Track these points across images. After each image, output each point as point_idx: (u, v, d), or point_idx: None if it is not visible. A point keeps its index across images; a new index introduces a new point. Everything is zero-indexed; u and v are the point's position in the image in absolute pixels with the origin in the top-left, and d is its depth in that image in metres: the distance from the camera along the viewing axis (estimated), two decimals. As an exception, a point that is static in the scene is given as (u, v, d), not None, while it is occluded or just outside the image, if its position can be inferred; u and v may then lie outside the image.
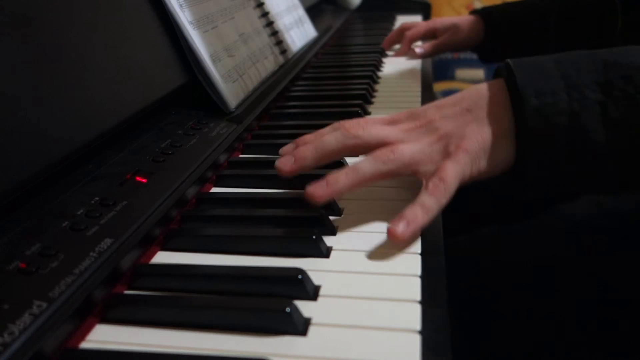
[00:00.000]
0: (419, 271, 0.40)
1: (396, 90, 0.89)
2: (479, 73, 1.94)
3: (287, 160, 0.48)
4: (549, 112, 0.43)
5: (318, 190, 0.45)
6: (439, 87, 1.88)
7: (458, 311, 0.52)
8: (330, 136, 0.48)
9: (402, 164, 0.46)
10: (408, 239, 0.42)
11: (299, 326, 0.34)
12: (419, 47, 1.08)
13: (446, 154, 0.45)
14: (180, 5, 0.64)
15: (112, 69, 0.52)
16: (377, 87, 0.90)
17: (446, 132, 0.46)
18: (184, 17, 0.64)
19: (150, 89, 0.57)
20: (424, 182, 0.45)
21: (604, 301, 0.60)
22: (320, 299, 0.37)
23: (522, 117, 0.44)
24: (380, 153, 0.46)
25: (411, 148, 0.46)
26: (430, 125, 0.47)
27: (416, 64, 1.05)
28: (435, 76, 1.51)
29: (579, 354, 0.59)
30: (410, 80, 0.94)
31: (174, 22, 0.63)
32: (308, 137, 0.50)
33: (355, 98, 0.79)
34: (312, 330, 0.34)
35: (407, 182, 0.53)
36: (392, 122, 0.49)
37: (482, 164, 0.46)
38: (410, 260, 0.41)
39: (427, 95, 0.84)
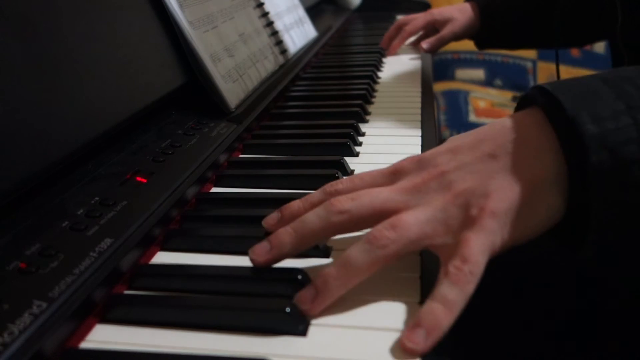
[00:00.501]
0: (419, 271, 0.40)
1: (396, 90, 0.89)
2: (479, 73, 1.94)
3: (263, 248, 0.38)
4: (615, 141, 0.33)
5: (301, 297, 0.35)
6: (439, 87, 1.88)
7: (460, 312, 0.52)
8: (312, 214, 0.38)
9: (409, 242, 0.35)
10: (430, 348, 0.32)
11: (299, 326, 0.34)
12: (425, 42, 1.09)
13: (467, 220, 0.34)
14: (180, 5, 0.64)
15: (112, 69, 0.52)
16: (377, 87, 0.90)
17: (465, 189, 0.35)
18: (184, 17, 0.64)
19: (150, 89, 0.57)
20: (442, 262, 0.34)
21: (604, 303, 0.60)
22: (320, 299, 0.37)
23: (579, 151, 0.34)
24: (376, 234, 0.35)
25: (418, 217, 0.35)
26: (442, 178, 0.37)
27: (416, 63, 1.05)
28: (435, 76, 1.51)
29: (578, 355, 0.59)
30: (411, 80, 0.94)
31: (174, 22, 0.63)
32: (295, 206, 0.41)
33: (355, 98, 0.79)
34: (312, 330, 0.34)
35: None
36: (392, 175, 0.39)
37: (518, 228, 0.35)
38: (410, 261, 0.41)
39: (427, 95, 0.84)
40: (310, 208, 0.40)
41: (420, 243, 0.35)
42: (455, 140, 0.39)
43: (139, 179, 0.48)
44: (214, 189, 0.55)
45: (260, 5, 0.89)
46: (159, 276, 0.40)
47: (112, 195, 0.45)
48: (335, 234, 0.38)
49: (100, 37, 0.52)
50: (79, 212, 0.42)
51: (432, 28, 1.12)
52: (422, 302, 0.36)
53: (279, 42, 0.90)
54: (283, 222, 0.41)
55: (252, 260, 0.38)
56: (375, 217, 0.36)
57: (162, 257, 0.43)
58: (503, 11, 1.05)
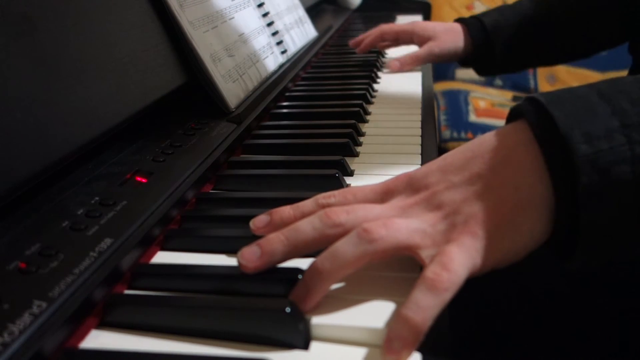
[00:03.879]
0: (418, 271, 0.39)
1: (396, 90, 0.89)
2: (479, 73, 1.94)
3: (252, 253, 0.38)
4: (607, 162, 0.32)
5: (295, 295, 0.36)
6: (439, 86, 1.88)
7: (458, 312, 0.52)
8: (306, 224, 0.38)
9: (397, 243, 0.35)
10: (405, 355, 0.32)
11: (299, 326, 0.34)
12: (396, 60, 0.99)
13: (451, 238, 0.35)
14: (180, 5, 0.64)
15: (112, 69, 0.52)
16: (377, 87, 0.90)
17: (452, 210, 0.36)
18: (184, 17, 0.64)
19: (150, 88, 0.57)
20: (424, 269, 0.34)
21: (605, 303, 0.60)
22: (320, 299, 0.37)
23: (569, 172, 0.33)
24: (367, 228, 0.35)
25: (409, 225, 0.36)
26: (433, 199, 0.37)
27: (416, 63, 1.05)
28: (435, 76, 1.51)
29: (578, 356, 0.59)
30: (411, 80, 0.94)
31: (174, 22, 0.63)
32: (285, 212, 0.41)
33: (355, 98, 0.79)
34: (312, 330, 0.34)
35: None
36: (384, 194, 0.40)
37: (500, 250, 0.35)
38: (410, 261, 0.41)
39: (427, 95, 0.84)
40: (300, 217, 0.40)
41: (407, 248, 0.36)
42: (446, 159, 0.39)
43: (139, 179, 0.48)
44: (214, 189, 0.55)
45: (261, 5, 0.89)
46: (159, 276, 0.40)
47: (112, 195, 0.45)
48: (326, 246, 0.37)
49: (100, 37, 0.52)
50: (79, 212, 0.42)
51: (408, 39, 1.01)
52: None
53: (279, 42, 0.90)
54: (272, 226, 0.41)
55: (240, 264, 0.38)
56: None
57: (162, 257, 0.43)
58: (504, 31, 0.94)
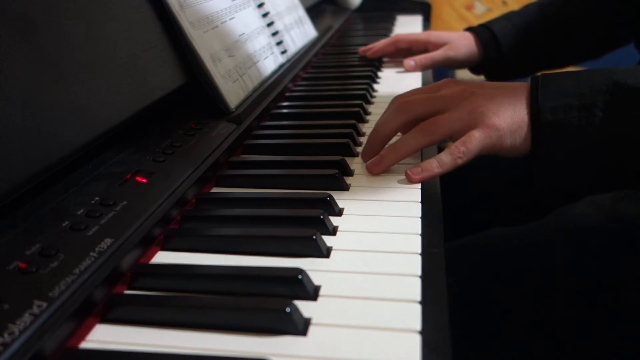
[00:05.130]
0: (419, 271, 0.40)
1: (396, 90, 0.89)
2: (479, 73, 1.94)
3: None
4: (562, 127, 0.51)
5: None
6: (439, 87, 1.88)
7: (458, 311, 0.52)
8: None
9: (442, 135, 0.54)
10: (418, 182, 0.53)
11: (299, 326, 0.34)
12: (412, 58, 0.98)
13: (478, 125, 0.52)
14: (181, 6, 0.64)
15: (112, 69, 0.52)
16: (377, 87, 0.90)
17: (483, 106, 0.53)
18: (184, 17, 0.64)
19: (150, 89, 0.57)
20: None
21: (605, 304, 0.60)
22: (320, 299, 0.37)
23: (537, 128, 0.52)
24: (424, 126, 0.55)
25: (450, 117, 0.54)
26: (473, 96, 0.55)
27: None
28: (435, 75, 1.50)
29: (578, 356, 0.59)
30: (410, 80, 0.94)
31: (174, 22, 0.63)
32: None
33: (355, 98, 0.79)
34: (312, 330, 0.34)
35: (404, 181, 0.53)
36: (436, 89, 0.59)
37: (506, 142, 0.53)
38: (410, 260, 0.41)
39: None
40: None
41: (451, 133, 0.54)
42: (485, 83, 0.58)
43: (139, 179, 0.48)
44: (214, 189, 0.55)
45: (261, 5, 0.89)
46: (159, 276, 0.40)
47: (112, 195, 0.45)
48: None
49: (100, 37, 0.52)
50: (79, 212, 0.42)
51: (422, 48, 1.02)
52: (422, 302, 0.36)
53: (279, 42, 0.90)
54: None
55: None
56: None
57: (162, 257, 0.43)
58: (513, 37, 0.95)
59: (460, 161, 0.52)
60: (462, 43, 0.98)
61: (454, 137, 0.54)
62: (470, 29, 1.00)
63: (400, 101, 0.58)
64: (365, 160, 0.58)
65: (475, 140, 0.52)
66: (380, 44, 1.04)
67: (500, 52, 0.96)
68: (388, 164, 0.56)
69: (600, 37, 0.94)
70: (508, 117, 0.53)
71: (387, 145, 0.57)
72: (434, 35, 1.02)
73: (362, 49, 1.06)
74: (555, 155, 0.53)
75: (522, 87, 0.55)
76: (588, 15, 0.93)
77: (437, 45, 0.99)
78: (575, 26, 0.94)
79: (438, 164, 0.53)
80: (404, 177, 0.54)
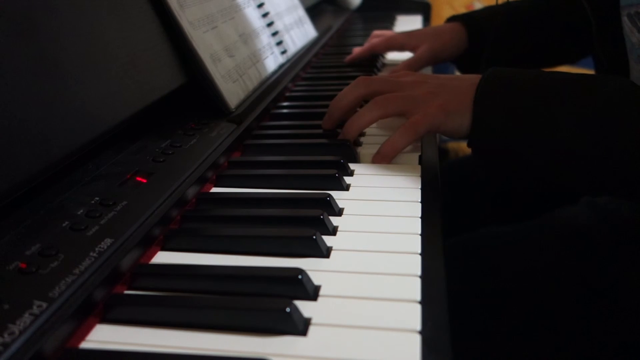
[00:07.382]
0: (419, 271, 0.40)
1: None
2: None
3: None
4: (492, 123, 0.56)
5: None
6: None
7: (458, 311, 0.52)
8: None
9: (397, 108, 0.59)
10: (381, 161, 0.58)
11: (299, 326, 0.34)
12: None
13: (429, 105, 0.57)
14: (181, 6, 0.64)
15: (112, 69, 0.52)
16: (377, 87, 0.90)
17: (433, 91, 0.58)
18: (184, 17, 0.64)
19: (150, 89, 0.57)
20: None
21: (601, 303, 0.60)
22: (320, 299, 0.37)
23: (480, 123, 0.57)
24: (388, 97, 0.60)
25: (406, 96, 0.59)
26: (426, 82, 0.60)
27: (416, 63, 1.05)
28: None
29: (576, 355, 0.59)
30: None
31: (174, 22, 0.63)
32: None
33: (355, 98, 0.79)
34: (312, 330, 0.34)
35: (404, 181, 0.53)
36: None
37: (450, 123, 0.56)
38: (410, 260, 0.41)
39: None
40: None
41: (403, 109, 0.58)
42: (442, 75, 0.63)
43: (139, 179, 0.48)
44: (214, 189, 0.55)
45: (261, 5, 0.89)
46: (159, 276, 0.40)
47: (112, 195, 0.45)
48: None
49: (100, 37, 0.52)
50: (79, 212, 0.42)
51: (398, 47, 0.98)
52: (422, 302, 0.36)
53: (279, 42, 0.90)
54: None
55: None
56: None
57: (162, 257, 0.43)
58: (493, 30, 0.88)
59: (412, 139, 0.57)
60: (439, 40, 0.94)
61: (406, 114, 0.58)
62: (453, 18, 0.97)
63: (361, 77, 0.63)
64: (324, 127, 0.65)
65: (423, 119, 0.56)
66: (358, 51, 1.00)
67: (480, 44, 0.91)
68: (350, 136, 0.61)
69: (581, 35, 0.90)
70: (456, 100, 0.57)
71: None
72: (408, 35, 0.98)
73: (348, 58, 1.01)
74: (483, 147, 0.57)
75: (473, 78, 0.58)
76: (567, 12, 0.91)
77: (411, 46, 0.95)
78: (555, 22, 0.92)
79: (391, 147, 0.57)
80: (404, 176, 0.54)
